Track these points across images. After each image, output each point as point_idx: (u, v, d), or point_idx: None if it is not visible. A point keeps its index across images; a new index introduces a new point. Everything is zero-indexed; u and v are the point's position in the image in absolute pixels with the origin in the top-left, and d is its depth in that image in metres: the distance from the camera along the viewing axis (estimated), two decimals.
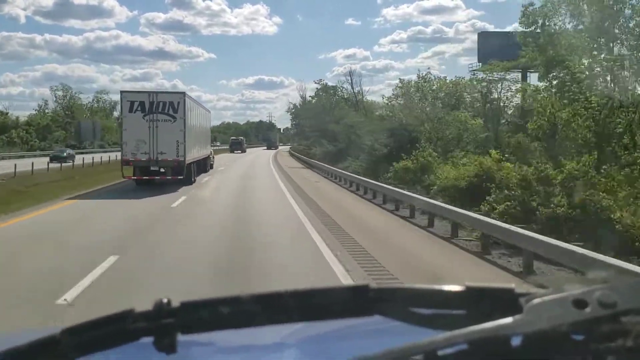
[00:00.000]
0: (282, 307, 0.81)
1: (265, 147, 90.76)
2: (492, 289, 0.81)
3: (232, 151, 72.77)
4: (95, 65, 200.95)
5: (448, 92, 37.31)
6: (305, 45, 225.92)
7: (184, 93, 22.62)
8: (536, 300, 0.70)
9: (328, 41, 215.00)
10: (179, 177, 21.09)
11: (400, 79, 69.25)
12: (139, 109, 21.15)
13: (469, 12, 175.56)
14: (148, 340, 0.77)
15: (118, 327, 0.78)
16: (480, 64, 46.14)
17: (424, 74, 39.02)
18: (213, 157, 34.68)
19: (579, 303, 0.69)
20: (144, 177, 21.11)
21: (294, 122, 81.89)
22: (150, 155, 21.00)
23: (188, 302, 0.79)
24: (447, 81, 39.06)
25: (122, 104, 21.84)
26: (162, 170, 21.34)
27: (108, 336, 0.77)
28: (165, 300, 0.78)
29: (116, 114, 77.26)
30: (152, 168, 21.19)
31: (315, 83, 65.82)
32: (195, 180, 23.36)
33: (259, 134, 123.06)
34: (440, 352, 0.67)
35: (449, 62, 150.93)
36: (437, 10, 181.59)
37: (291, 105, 78.84)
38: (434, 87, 38.42)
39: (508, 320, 0.68)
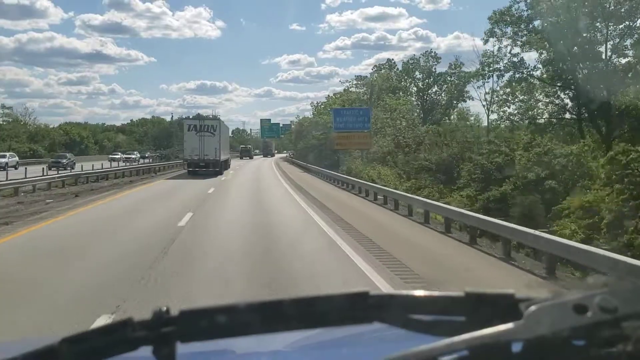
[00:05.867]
0: (281, 315, 0.81)
1: (262, 155, 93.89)
2: (492, 294, 0.80)
3: (241, 157, 79.75)
4: (29, 69, 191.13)
5: None
6: (249, 50, 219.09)
7: (220, 120, 40.70)
8: (536, 306, 0.70)
9: (272, 46, 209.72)
10: (216, 170, 35.67)
11: None
12: (194, 129, 36.87)
13: (412, 20, 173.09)
14: (147, 349, 0.76)
15: (117, 337, 0.77)
16: None
17: None
18: (230, 160, 49.78)
19: (579, 308, 0.69)
20: (196, 169, 35.58)
21: None
22: (199, 156, 36.08)
23: (187, 310, 0.78)
24: None
25: (184, 127, 38.74)
26: (205, 165, 35.74)
27: (107, 346, 0.77)
28: (164, 309, 0.78)
29: None
30: (200, 164, 35.85)
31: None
32: (223, 173, 37.35)
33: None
34: (440, 359, 0.67)
35: None
36: (381, 17, 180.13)
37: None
38: None
39: (508, 326, 0.68)
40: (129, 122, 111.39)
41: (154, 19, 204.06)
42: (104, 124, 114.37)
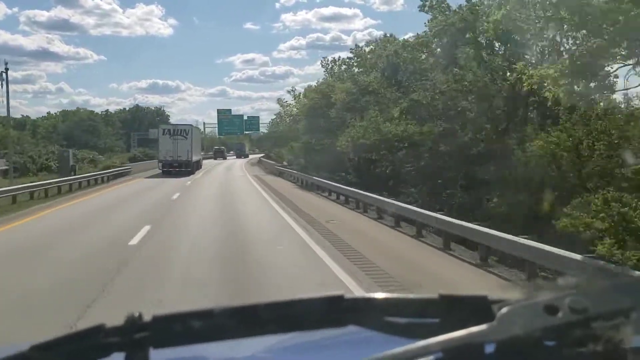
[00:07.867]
0: (256, 319, 0.80)
1: (235, 156, 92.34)
2: (465, 297, 0.81)
3: (215, 158, 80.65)
4: None
5: None
6: (202, 48, 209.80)
7: (191, 125, 45.78)
8: (509, 307, 0.71)
9: (226, 45, 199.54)
10: (188, 169, 39.08)
11: None
12: (168, 133, 40.71)
13: (366, 20, 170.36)
14: (120, 355, 0.75)
15: (88, 343, 0.76)
16: None
17: None
18: (202, 161, 52.37)
19: (550, 309, 0.70)
20: (170, 169, 38.84)
21: None
22: (173, 157, 39.56)
23: (160, 315, 0.77)
24: None
25: (158, 131, 42.58)
26: (178, 165, 39.31)
27: (78, 352, 0.75)
28: (137, 314, 0.77)
29: None
30: (173, 164, 39.38)
31: None
32: (195, 172, 40.75)
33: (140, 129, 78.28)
34: None
35: None
36: (336, 17, 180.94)
37: None
38: None
39: (481, 327, 0.69)
40: (45, 115, 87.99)
41: (104, 16, 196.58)
42: None
